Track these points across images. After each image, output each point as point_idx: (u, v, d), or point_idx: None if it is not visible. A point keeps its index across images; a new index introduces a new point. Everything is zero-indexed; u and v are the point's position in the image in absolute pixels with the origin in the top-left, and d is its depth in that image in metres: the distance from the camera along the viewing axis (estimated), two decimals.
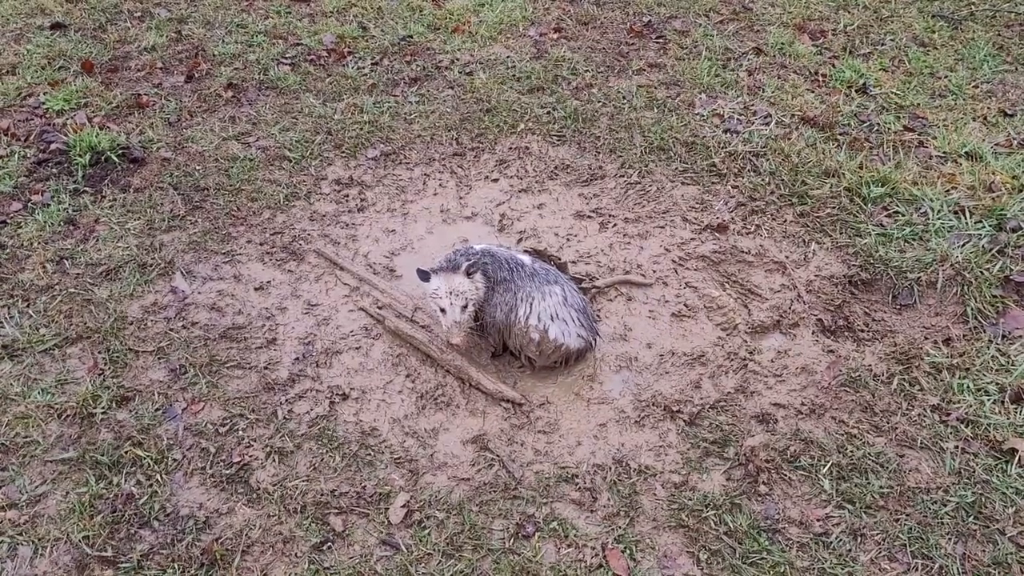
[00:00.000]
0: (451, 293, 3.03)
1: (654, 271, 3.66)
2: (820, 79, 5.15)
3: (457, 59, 5.34)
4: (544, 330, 3.08)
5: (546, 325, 3.08)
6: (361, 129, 4.64)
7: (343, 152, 4.49)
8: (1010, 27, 5.69)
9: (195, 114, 4.79)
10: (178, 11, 5.89)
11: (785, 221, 3.92)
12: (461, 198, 4.16)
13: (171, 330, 3.39)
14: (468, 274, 3.05)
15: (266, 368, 3.25)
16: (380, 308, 3.49)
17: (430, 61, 5.32)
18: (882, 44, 5.54)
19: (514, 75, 5.15)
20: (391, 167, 4.40)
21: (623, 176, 4.28)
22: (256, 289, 3.62)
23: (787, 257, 3.70)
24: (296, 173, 4.33)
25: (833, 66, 5.26)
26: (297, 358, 3.30)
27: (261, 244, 3.86)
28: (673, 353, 3.28)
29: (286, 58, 5.33)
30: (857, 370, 3.12)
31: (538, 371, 3.22)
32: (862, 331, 3.38)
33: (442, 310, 3.06)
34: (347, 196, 4.19)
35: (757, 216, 3.96)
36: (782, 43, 5.49)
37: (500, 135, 4.62)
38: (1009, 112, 4.69)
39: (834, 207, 3.94)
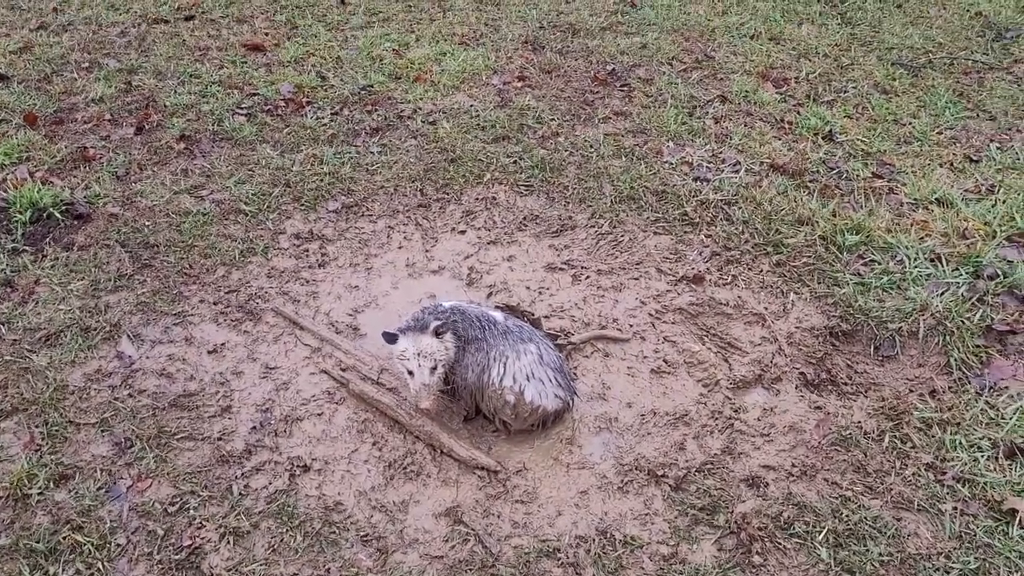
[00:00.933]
0: (419, 354, 2.87)
1: (631, 325, 3.53)
2: (786, 126, 5.14)
3: (419, 108, 5.24)
4: (520, 392, 2.92)
5: (521, 386, 2.92)
6: (321, 181, 4.49)
7: (302, 205, 4.32)
8: (968, 74, 5.77)
9: (145, 167, 4.60)
10: (128, 61, 5.72)
11: (761, 271, 3.83)
12: (427, 251, 4.02)
13: (116, 399, 3.16)
14: (437, 334, 2.89)
15: (220, 439, 3.03)
16: (344, 370, 3.30)
17: (392, 111, 5.21)
18: (844, 91, 5.57)
19: (478, 124, 5.06)
20: (353, 220, 4.24)
21: (594, 226, 4.18)
22: (209, 352, 3.41)
23: (766, 308, 3.60)
24: (253, 227, 4.15)
25: (798, 113, 5.27)
26: (254, 427, 3.08)
27: (215, 303, 3.66)
28: (655, 412, 3.13)
29: (242, 108, 5.18)
30: (847, 428, 3.00)
31: (514, 435, 3.05)
32: (846, 384, 3.27)
33: (410, 372, 2.90)
34: (307, 251, 4.01)
35: (733, 266, 3.87)
36: (746, 91, 5.49)
37: (466, 185, 4.50)
38: (975, 158, 4.71)
39: (810, 256, 3.87)
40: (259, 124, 5.02)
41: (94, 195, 4.30)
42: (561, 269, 3.89)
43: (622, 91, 5.53)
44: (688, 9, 6.86)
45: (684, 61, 5.96)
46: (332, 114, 5.18)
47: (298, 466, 2.94)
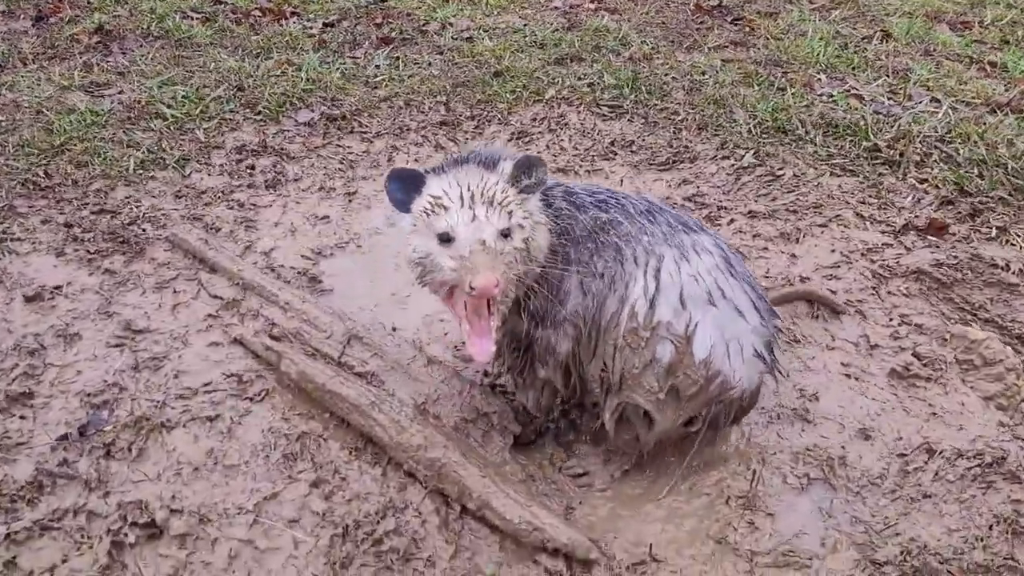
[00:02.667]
0: (476, 197, 1.27)
1: (833, 292, 1.93)
2: (988, 67, 3.61)
3: (451, 24, 3.78)
4: (687, 335, 1.33)
5: (691, 323, 1.34)
6: (292, 86, 2.99)
7: (258, 114, 2.82)
8: None
9: (32, 60, 3.14)
10: None
11: None
12: None
13: None
14: (518, 183, 1.32)
15: None
16: (275, 339, 1.72)
17: (411, 25, 3.75)
18: None
19: (535, 42, 3.57)
20: (335, 136, 2.73)
21: (728, 158, 2.63)
22: (28, 300, 1.85)
23: None
24: (171, 136, 2.64)
25: (999, 55, 3.74)
26: (66, 435, 1.50)
27: (68, 226, 2.12)
28: (929, 450, 1.51)
29: (198, 12, 3.74)
30: None
31: (644, 463, 1.44)
32: None
33: (445, 240, 1.26)
34: (251, 168, 2.49)
35: (989, 215, 2.28)
36: (915, 30, 3.99)
37: (517, 104, 2.98)
38: None
39: None
40: (218, 29, 3.57)
41: None
42: (684, 206, 2.32)
43: (735, 25, 4.05)
44: None
45: (816, 1, 4.49)
46: (325, 25, 3.72)
47: (137, 524, 1.34)
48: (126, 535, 1.32)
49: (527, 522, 1.31)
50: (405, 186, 1.32)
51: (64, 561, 1.29)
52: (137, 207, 2.23)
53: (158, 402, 1.58)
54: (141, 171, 2.42)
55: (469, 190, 1.27)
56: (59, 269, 1.96)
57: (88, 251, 2.02)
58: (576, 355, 1.41)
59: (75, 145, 2.51)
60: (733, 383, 1.35)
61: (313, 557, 1.32)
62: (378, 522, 1.37)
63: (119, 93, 2.91)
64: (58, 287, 1.89)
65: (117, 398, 1.59)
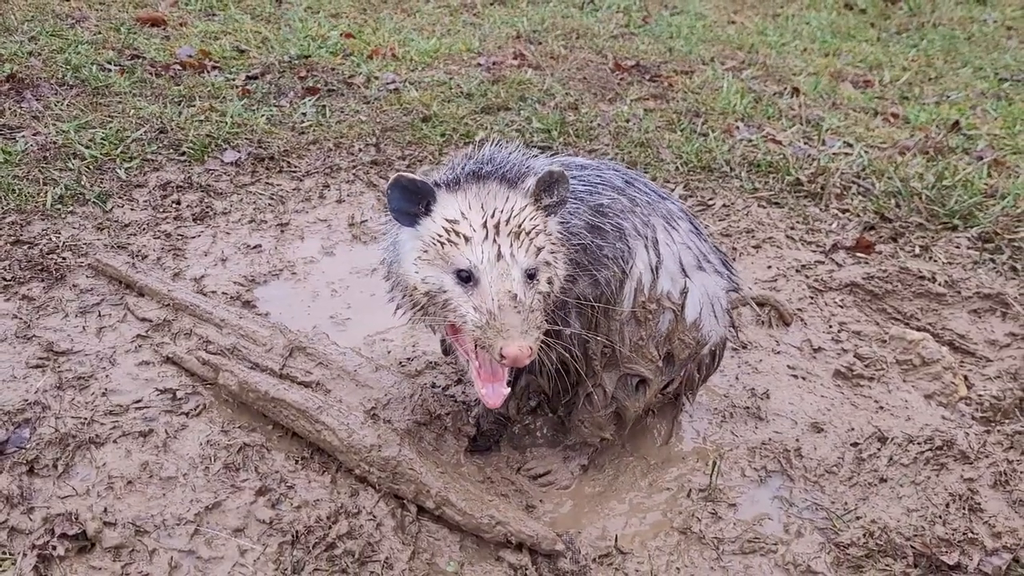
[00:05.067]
0: (502, 229, 1.18)
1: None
2: (891, 118, 3.86)
3: (376, 78, 3.83)
4: (682, 302, 1.37)
5: (685, 289, 1.38)
6: (217, 129, 2.96)
7: (182, 155, 2.77)
8: None
9: None
10: None
11: (960, 246, 2.37)
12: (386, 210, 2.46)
13: None
14: (539, 200, 1.24)
15: None
16: (212, 354, 1.65)
17: (335, 78, 3.78)
18: (947, 96, 4.37)
19: (462, 93, 3.65)
20: (264, 174, 2.70)
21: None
22: None
23: (1000, 289, 2.10)
24: (91, 174, 2.57)
25: (899, 109, 4.01)
26: None
27: None
28: (881, 438, 1.54)
29: (115, 64, 3.69)
30: None
31: (602, 451, 1.43)
32: None
33: (464, 278, 1.17)
34: (176, 203, 2.43)
35: (910, 237, 2.40)
36: (822, 87, 4.25)
37: (447, 145, 3.02)
38: None
39: None
40: (137, 80, 3.52)
41: None
42: None
43: (653, 82, 4.22)
44: (715, 30, 5.75)
45: (726, 63, 4.74)
46: (248, 77, 3.72)
47: (66, 537, 1.25)
48: (54, 548, 1.23)
49: (489, 516, 1.28)
50: (410, 197, 1.21)
51: None
52: (56, 237, 2.14)
53: (85, 419, 1.49)
54: (60, 206, 2.34)
55: (494, 216, 1.17)
56: None
57: (3, 279, 1.93)
58: (572, 351, 1.35)
59: None
60: (707, 339, 1.38)
61: (262, 564, 1.25)
62: (330, 527, 1.31)
63: (34, 135, 2.82)
64: None
65: (40, 416, 1.49)
